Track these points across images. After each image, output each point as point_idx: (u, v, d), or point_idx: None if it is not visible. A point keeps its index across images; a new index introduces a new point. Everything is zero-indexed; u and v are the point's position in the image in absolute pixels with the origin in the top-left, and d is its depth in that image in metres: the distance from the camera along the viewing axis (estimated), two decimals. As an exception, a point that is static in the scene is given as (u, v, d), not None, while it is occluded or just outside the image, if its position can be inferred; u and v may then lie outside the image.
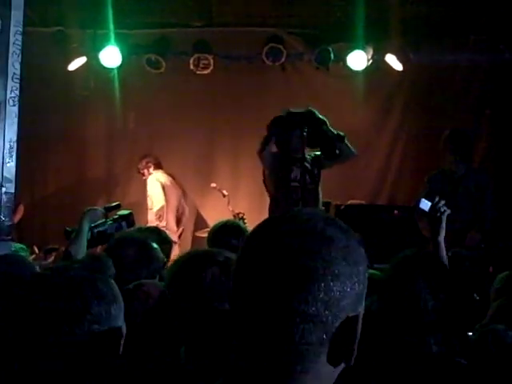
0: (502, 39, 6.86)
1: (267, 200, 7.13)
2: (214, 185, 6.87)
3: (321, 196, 5.46)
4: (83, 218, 3.32)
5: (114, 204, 3.69)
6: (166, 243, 3.60)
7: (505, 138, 7.10)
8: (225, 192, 6.77)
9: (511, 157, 7.01)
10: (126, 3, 6.66)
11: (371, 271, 3.42)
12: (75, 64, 7.01)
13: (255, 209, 7.08)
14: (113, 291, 1.67)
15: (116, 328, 1.62)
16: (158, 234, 3.78)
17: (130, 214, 3.61)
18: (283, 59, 7.06)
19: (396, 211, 6.19)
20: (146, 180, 7.31)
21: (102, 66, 6.93)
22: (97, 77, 7.17)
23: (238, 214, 6.61)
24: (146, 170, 7.29)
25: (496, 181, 6.05)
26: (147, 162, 7.27)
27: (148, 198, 7.25)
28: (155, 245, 3.08)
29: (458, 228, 4.87)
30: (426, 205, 3.05)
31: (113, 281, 1.77)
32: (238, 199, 7.43)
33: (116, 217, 3.54)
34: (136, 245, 2.97)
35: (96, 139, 7.58)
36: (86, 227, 3.28)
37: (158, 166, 7.33)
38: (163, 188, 7.22)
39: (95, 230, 3.38)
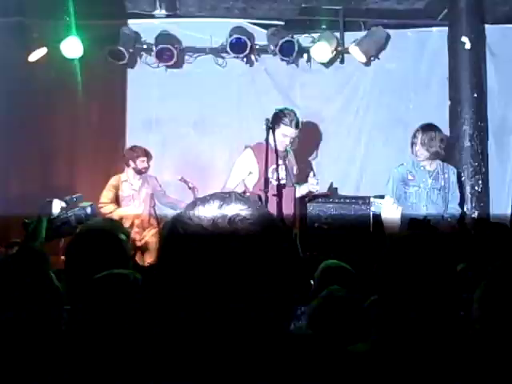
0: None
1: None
2: (179, 177, 6.81)
3: None
4: (41, 209, 3.25)
5: (76, 196, 3.62)
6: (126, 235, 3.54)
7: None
8: (190, 184, 6.73)
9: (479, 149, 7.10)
10: (87, -7, 6.58)
11: (336, 261, 3.43)
12: (36, 55, 6.89)
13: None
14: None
15: None
16: (119, 225, 3.69)
17: (92, 205, 3.55)
18: (247, 51, 7.04)
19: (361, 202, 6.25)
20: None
21: (63, 57, 6.81)
22: (58, 68, 7.03)
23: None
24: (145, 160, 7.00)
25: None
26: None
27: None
28: (123, 235, 3.03)
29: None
30: (378, 207, 3.09)
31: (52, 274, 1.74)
32: (208, 191, 7.39)
33: (77, 208, 3.48)
34: (105, 235, 2.91)
35: (58, 131, 7.46)
36: (44, 219, 3.21)
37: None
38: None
39: (55, 222, 3.32)
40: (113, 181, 6.92)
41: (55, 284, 1.99)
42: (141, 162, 6.86)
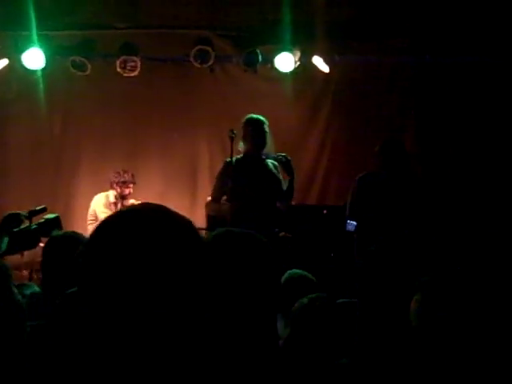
0: (423, 42, 7.07)
1: (198, 199, 7.16)
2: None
3: None
4: (3, 222, 3.19)
5: (40, 208, 3.57)
6: None
7: (429, 138, 7.30)
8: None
9: (435, 156, 7.23)
10: (49, 4, 6.53)
11: (299, 271, 3.45)
12: (-3, 66, 6.81)
13: (186, 209, 7.06)
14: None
15: None
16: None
17: (57, 217, 3.50)
18: (211, 61, 7.05)
19: (325, 211, 6.30)
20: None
21: (25, 68, 6.75)
22: (20, 79, 6.97)
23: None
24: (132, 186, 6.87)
25: (422, 181, 6.23)
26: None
27: None
28: None
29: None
30: (352, 226, 3.15)
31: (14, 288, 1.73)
32: (168, 201, 7.37)
33: (42, 221, 3.43)
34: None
35: (20, 144, 7.36)
36: (1, 233, 3.15)
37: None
38: None
39: (18, 235, 3.26)
40: (103, 199, 6.81)
41: (17, 299, 1.96)
42: (127, 189, 6.78)
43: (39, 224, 3.39)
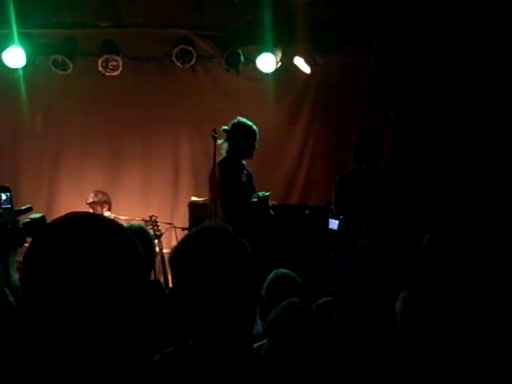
0: (403, 44, 7.15)
1: (179, 201, 7.18)
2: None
3: None
4: None
5: (25, 207, 3.54)
6: None
7: (408, 139, 7.39)
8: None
9: (414, 157, 7.31)
10: (30, 2, 6.48)
11: (285, 270, 3.49)
12: (-23, 65, 6.75)
13: (167, 207, 7.07)
14: None
15: None
16: None
17: (43, 217, 3.48)
18: (193, 61, 7.06)
19: (307, 211, 6.35)
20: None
21: (5, 66, 6.70)
22: (1, 78, 6.92)
23: (150, 217, 6.57)
24: (99, 208, 6.94)
25: (398, 181, 6.29)
26: (105, 201, 6.97)
27: None
28: None
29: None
30: (333, 224, 3.18)
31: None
32: (150, 201, 7.40)
33: (27, 220, 3.41)
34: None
35: (1, 141, 7.32)
36: None
37: (109, 208, 7.06)
38: None
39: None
40: None
41: (9, 299, 1.96)
42: (99, 208, 6.86)
43: (24, 224, 3.38)
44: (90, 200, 6.89)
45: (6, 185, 3.41)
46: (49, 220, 4.12)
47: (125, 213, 6.88)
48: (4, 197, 3.34)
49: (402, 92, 7.35)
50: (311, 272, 5.14)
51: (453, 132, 7.22)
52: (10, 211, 3.30)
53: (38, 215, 3.46)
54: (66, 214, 1.14)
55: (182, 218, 6.78)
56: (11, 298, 1.80)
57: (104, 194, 6.99)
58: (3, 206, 3.33)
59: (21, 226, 3.34)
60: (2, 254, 2.94)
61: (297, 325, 2.45)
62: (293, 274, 3.39)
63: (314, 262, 5.58)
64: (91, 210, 6.71)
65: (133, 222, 4.82)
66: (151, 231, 5.78)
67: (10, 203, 3.36)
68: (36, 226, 3.41)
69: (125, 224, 3.97)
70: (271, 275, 3.43)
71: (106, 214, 6.77)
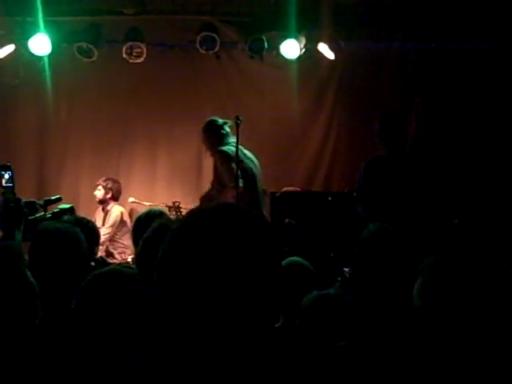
0: (429, 29, 7.07)
1: (203, 187, 7.21)
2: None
3: None
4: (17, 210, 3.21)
5: (55, 197, 3.58)
6: (93, 234, 3.49)
7: (432, 124, 7.32)
8: None
9: (438, 142, 7.24)
10: (55, -10, 6.53)
11: (296, 258, 3.38)
12: (3, 52, 6.83)
13: (190, 196, 7.10)
14: None
15: None
16: (85, 224, 3.60)
17: (72, 207, 3.53)
18: (217, 48, 7.06)
19: (330, 198, 6.32)
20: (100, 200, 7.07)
21: (31, 54, 6.76)
22: (26, 65, 6.99)
23: (174, 202, 6.61)
24: (105, 192, 7.04)
25: (424, 166, 6.22)
26: (109, 188, 7.03)
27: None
28: (83, 236, 2.96)
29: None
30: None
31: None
32: (174, 187, 7.44)
33: (57, 210, 3.45)
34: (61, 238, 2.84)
35: (27, 129, 7.41)
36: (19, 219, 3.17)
37: (112, 196, 7.10)
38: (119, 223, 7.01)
39: (32, 223, 3.27)
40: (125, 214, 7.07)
41: (30, 281, 2.01)
42: (108, 197, 7.07)
43: (53, 213, 3.42)
44: (98, 182, 7.03)
45: (8, 163, 3.39)
46: (77, 210, 4.18)
47: (148, 199, 6.94)
48: (6, 175, 3.35)
49: (427, 78, 7.27)
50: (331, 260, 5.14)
51: (478, 119, 7.14)
52: (12, 190, 3.31)
53: (67, 205, 3.51)
54: (217, 203, 1.19)
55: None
56: (32, 280, 1.84)
57: (115, 182, 7.05)
58: (5, 185, 3.34)
59: (50, 215, 3.39)
60: (9, 232, 2.98)
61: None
62: (306, 262, 3.28)
63: (336, 249, 5.57)
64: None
65: (153, 207, 4.83)
66: (173, 217, 5.81)
67: (12, 182, 3.35)
68: (64, 215, 3.46)
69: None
70: (283, 263, 3.35)
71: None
